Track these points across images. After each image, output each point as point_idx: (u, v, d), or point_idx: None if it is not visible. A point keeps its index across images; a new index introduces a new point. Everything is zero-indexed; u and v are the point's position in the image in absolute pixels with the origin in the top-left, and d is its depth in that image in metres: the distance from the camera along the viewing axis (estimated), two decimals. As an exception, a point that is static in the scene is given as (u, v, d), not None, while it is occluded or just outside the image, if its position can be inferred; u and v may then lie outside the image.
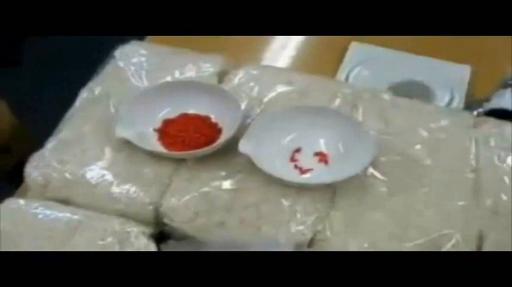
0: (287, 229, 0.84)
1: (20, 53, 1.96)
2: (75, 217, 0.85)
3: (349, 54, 1.23)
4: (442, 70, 1.20)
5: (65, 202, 0.89)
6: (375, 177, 0.88)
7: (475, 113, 1.08)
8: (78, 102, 1.00)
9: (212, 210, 0.86)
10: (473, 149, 0.93)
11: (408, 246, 0.82)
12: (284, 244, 0.81)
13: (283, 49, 1.28)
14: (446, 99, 1.14)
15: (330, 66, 1.21)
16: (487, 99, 1.09)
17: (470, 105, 1.12)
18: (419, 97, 1.11)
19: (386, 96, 1.01)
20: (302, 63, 1.25)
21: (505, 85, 1.07)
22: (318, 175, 0.89)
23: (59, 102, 0.99)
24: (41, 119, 0.99)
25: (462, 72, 1.20)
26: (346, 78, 1.18)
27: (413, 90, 1.15)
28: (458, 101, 1.14)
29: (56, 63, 1.91)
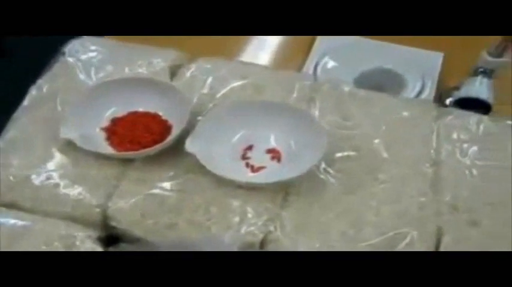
0: (237, 230, 0.81)
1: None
2: (20, 221, 0.83)
3: (316, 45, 1.20)
4: (414, 58, 1.17)
5: (11, 206, 0.86)
6: (329, 174, 0.85)
7: (447, 101, 1.05)
8: (26, 101, 0.97)
9: (160, 212, 0.83)
10: (434, 143, 0.90)
11: (361, 246, 0.79)
12: (231, 245, 0.78)
13: (247, 42, 1.24)
14: (418, 87, 1.11)
15: (297, 57, 1.17)
16: (458, 88, 1.06)
17: (441, 93, 1.09)
18: (391, 85, 1.08)
19: (346, 88, 0.97)
20: (268, 57, 1.21)
21: (476, 73, 1.04)
22: (271, 173, 0.86)
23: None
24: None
25: (434, 60, 1.17)
26: (314, 70, 1.15)
27: (384, 79, 1.12)
28: (430, 89, 1.10)
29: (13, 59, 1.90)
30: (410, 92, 1.09)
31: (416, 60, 1.16)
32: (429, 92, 1.10)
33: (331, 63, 1.16)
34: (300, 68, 1.15)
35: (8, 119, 0.95)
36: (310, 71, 1.14)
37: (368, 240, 0.79)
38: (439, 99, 1.08)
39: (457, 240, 0.80)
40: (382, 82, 1.10)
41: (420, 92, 1.10)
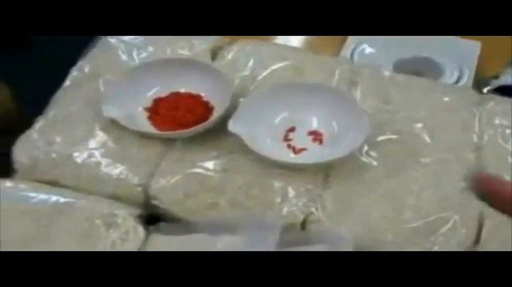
0: (278, 210, 0.81)
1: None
2: (62, 198, 0.83)
3: (353, 31, 1.19)
4: (451, 46, 1.16)
5: (53, 183, 0.86)
6: (371, 157, 0.85)
7: (485, 90, 1.04)
8: (68, 81, 0.97)
9: (202, 191, 0.83)
10: (475, 128, 0.89)
11: (402, 229, 0.78)
12: (274, 226, 0.78)
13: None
14: (455, 76, 1.10)
15: (334, 43, 1.17)
16: (496, 77, 1.05)
17: (479, 82, 1.09)
18: (428, 74, 1.08)
19: (387, 73, 0.97)
20: (305, 42, 1.21)
21: (515, 62, 1.03)
22: (312, 154, 0.86)
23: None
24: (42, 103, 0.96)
25: (472, 49, 1.16)
26: (351, 56, 1.14)
27: (421, 67, 1.11)
28: (467, 78, 1.09)
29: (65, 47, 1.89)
30: (448, 80, 1.09)
31: (454, 49, 1.15)
32: (467, 81, 1.09)
33: (368, 50, 1.15)
34: (336, 54, 1.14)
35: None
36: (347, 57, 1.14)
37: (409, 223, 0.79)
38: (477, 88, 1.07)
39: (499, 225, 0.79)
40: (419, 70, 1.09)
41: (458, 81, 1.09)
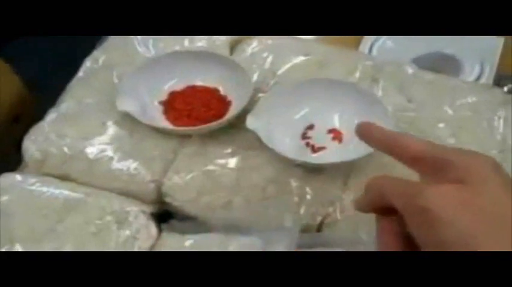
0: (295, 211, 0.78)
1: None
2: (73, 194, 0.81)
3: (373, 25, 1.16)
4: (472, 42, 1.12)
5: (63, 178, 0.85)
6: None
7: (505, 89, 1.01)
8: (81, 72, 0.95)
9: (217, 189, 0.81)
10: (500, 129, 0.86)
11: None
12: (291, 227, 0.76)
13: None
14: (476, 73, 1.06)
15: (353, 37, 1.14)
16: (517, 74, 1.02)
17: (500, 80, 1.05)
18: (447, 70, 1.04)
19: (410, 70, 0.94)
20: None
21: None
22: (331, 153, 0.83)
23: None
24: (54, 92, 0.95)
25: (493, 45, 1.12)
26: (370, 50, 1.11)
27: (440, 63, 1.08)
28: (488, 76, 1.06)
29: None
30: (468, 77, 1.05)
31: (475, 45, 1.11)
32: (487, 78, 1.05)
33: (387, 44, 1.12)
34: (355, 48, 1.11)
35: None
36: (366, 51, 1.11)
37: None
38: (497, 85, 1.04)
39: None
40: (438, 66, 1.06)
41: (478, 78, 1.06)
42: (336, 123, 0.86)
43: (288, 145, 0.83)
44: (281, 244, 0.74)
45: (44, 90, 0.96)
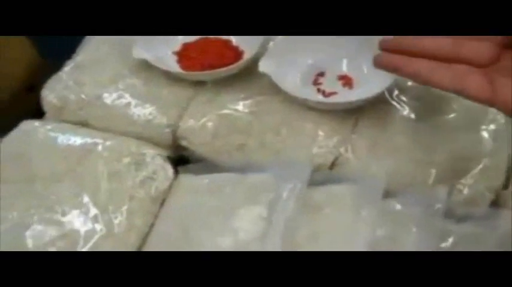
0: (308, 151, 0.80)
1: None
2: (91, 138, 0.83)
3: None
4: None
5: (82, 124, 0.87)
6: (401, 101, 0.84)
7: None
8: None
9: (231, 132, 0.83)
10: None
11: (432, 170, 0.78)
12: (304, 166, 0.78)
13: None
14: None
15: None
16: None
17: None
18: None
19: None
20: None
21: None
22: (342, 97, 0.85)
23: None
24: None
25: None
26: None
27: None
28: None
29: None
30: None
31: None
32: None
33: None
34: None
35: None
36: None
37: (439, 165, 0.78)
38: None
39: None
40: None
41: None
42: (346, 69, 0.88)
43: (299, 89, 0.85)
44: (293, 181, 0.76)
45: (59, 59, 0.97)
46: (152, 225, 0.76)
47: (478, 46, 0.60)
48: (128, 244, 0.73)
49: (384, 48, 0.65)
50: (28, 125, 0.86)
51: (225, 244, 0.71)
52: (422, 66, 0.60)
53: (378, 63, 0.65)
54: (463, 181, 0.78)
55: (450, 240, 0.71)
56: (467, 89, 0.58)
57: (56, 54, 0.98)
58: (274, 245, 0.69)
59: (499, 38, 0.60)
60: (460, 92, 0.58)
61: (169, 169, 0.82)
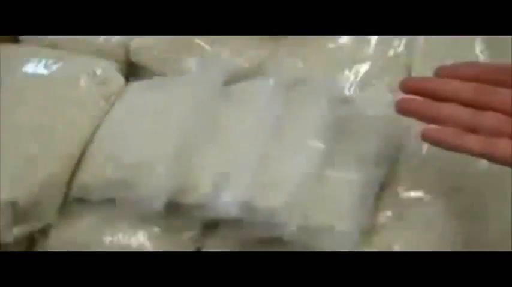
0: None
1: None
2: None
3: None
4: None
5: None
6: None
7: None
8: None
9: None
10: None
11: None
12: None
13: None
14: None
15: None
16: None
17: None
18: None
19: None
20: None
21: None
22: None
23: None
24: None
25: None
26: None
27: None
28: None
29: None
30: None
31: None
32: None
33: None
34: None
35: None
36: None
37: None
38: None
39: None
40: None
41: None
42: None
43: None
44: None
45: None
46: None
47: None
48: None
49: (405, 90, 0.61)
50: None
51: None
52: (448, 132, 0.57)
53: (401, 110, 0.61)
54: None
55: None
56: (496, 154, 0.54)
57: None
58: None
59: None
60: (489, 159, 0.56)
61: (120, 77, 0.83)
